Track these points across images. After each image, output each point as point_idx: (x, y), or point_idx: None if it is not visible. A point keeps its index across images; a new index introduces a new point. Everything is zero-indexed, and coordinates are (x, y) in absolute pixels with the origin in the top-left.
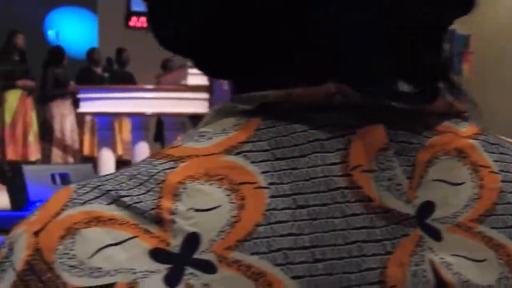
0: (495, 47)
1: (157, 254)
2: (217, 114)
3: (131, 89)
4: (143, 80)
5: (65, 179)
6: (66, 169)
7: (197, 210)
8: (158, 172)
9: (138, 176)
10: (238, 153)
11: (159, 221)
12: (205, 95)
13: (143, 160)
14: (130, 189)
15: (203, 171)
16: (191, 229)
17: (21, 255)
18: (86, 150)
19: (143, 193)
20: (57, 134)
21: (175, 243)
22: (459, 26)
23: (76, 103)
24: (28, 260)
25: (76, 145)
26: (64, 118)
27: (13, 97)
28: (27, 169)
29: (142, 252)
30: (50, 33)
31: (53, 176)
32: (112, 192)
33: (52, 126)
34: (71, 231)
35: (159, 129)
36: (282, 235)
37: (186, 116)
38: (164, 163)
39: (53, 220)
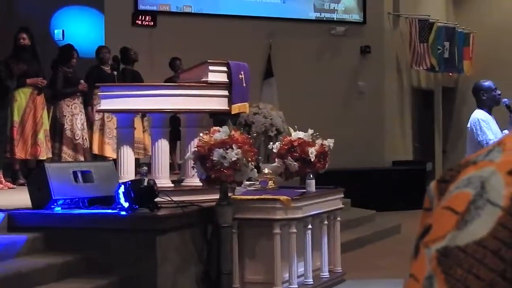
0: (496, 45)
1: None
2: None
3: (152, 86)
4: (148, 78)
5: (87, 177)
6: (88, 166)
7: None
8: None
9: None
10: None
11: None
12: (225, 92)
13: None
14: None
15: None
16: None
17: (502, 192)
18: (96, 149)
19: None
20: (67, 133)
21: None
22: (460, 23)
23: (86, 102)
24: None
25: (86, 144)
26: (74, 117)
27: (22, 96)
28: (49, 166)
29: None
30: (57, 32)
31: (75, 174)
32: None
33: (62, 125)
34: None
35: (173, 126)
36: None
37: (206, 112)
38: None
39: None
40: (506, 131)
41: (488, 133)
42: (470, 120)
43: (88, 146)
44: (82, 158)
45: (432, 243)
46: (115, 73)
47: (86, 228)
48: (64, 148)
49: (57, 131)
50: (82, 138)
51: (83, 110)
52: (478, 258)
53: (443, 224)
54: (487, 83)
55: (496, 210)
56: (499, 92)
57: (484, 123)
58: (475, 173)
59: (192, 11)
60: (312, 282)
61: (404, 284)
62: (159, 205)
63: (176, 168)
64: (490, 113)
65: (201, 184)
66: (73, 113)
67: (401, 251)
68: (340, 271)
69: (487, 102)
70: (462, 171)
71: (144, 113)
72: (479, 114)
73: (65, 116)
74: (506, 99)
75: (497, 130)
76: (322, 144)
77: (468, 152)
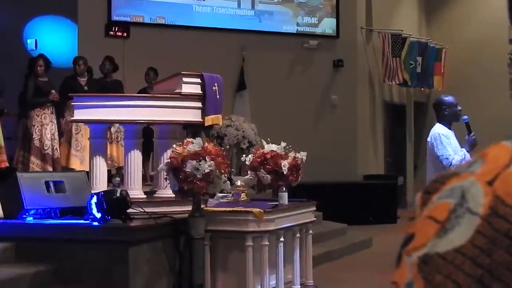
0: (467, 61)
1: None
2: None
3: (125, 97)
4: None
5: (59, 187)
6: (61, 177)
7: None
8: None
9: None
10: None
11: None
12: (198, 104)
13: None
14: None
15: None
16: None
17: (480, 201)
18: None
19: None
20: (36, 142)
21: None
22: (432, 38)
23: (58, 113)
24: (491, 205)
25: (56, 154)
26: (44, 126)
27: None
28: (21, 176)
29: None
30: (29, 42)
31: (47, 184)
32: None
33: (31, 134)
34: None
35: (146, 137)
36: None
37: (179, 124)
38: None
39: (505, 171)
40: (464, 150)
41: (448, 148)
42: (430, 134)
43: (59, 156)
44: (50, 168)
45: (413, 251)
46: (86, 88)
47: (57, 239)
48: (32, 158)
49: (26, 141)
50: (52, 148)
51: (54, 120)
52: (457, 264)
53: (425, 232)
54: (449, 98)
55: (475, 219)
56: (460, 108)
57: (444, 138)
58: (457, 184)
59: (166, 23)
60: None
61: None
62: (131, 216)
63: (148, 179)
64: (450, 128)
65: (173, 195)
66: (43, 123)
67: (372, 264)
68: (312, 284)
69: (449, 117)
70: (446, 182)
71: (111, 123)
72: (439, 129)
73: (34, 125)
74: (466, 117)
75: (457, 145)
76: (294, 157)
77: (429, 167)
